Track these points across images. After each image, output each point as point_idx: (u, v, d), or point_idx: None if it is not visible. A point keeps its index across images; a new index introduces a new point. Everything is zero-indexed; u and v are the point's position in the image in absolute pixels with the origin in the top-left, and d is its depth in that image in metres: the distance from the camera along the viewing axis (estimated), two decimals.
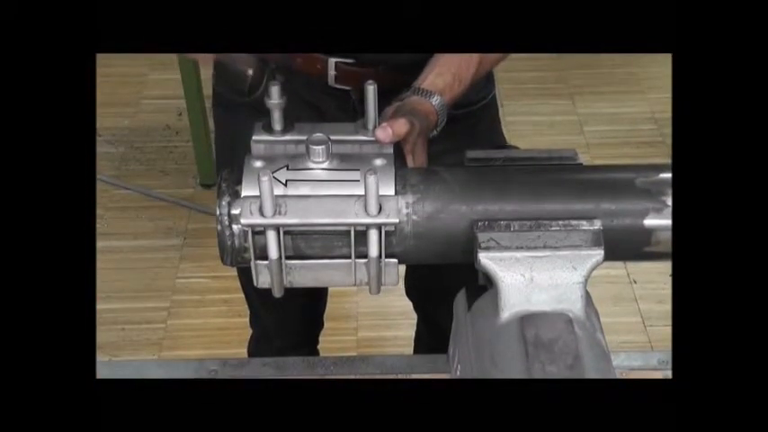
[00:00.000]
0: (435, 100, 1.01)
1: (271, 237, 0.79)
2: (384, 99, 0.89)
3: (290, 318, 1.50)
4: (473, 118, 1.22)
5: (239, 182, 0.81)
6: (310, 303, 1.53)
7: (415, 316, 1.62)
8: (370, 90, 0.87)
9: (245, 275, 1.41)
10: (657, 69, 3.17)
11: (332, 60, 1.15)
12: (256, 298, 1.49)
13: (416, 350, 1.67)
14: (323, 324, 1.62)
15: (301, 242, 0.81)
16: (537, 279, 0.77)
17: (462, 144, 1.03)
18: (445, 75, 1.04)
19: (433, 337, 1.55)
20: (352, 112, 1.17)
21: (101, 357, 2.13)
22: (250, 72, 1.17)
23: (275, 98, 0.85)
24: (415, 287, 1.47)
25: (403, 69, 1.07)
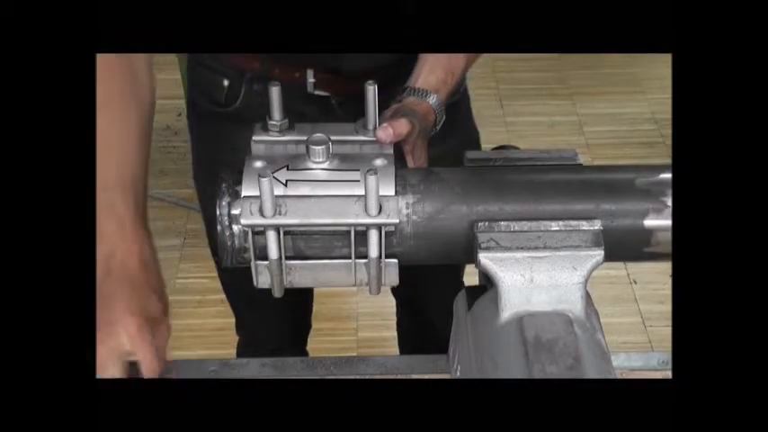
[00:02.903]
0: (432, 99, 1.02)
1: (271, 237, 0.79)
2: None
3: (278, 320, 1.49)
4: (451, 111, 1.22)
5: (239, 182, 0.81)
6: (296, 305, 1.52)
7: None
8: (370, 90, 0.87)
9: (230, 279, 1.40)
10: (657, 70, 3.17)
11: (310, 71, 1.15)
12: (241, 304, 1.48)
13: (399, 337, 1.66)
14: (311, 325, 1.62)
15: (301, 242, 0.81)
16: (537, 279, 0.77)
17: (443, 136, 1.04)
18: (437, 71, 1.04)
19: (411, 319, 1.54)
20: (332, 115, 1.16)
21: None
22: (226, 83, 1.17)
23: (276, 101, 0.85)
24: None
25: (383, 72, 1.07)
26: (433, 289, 1.21)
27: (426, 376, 1.01)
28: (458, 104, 1.25)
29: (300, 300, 1.51)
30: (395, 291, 1.52)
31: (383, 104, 0.92)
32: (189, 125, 1.31)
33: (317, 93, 1.16)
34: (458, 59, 1.07)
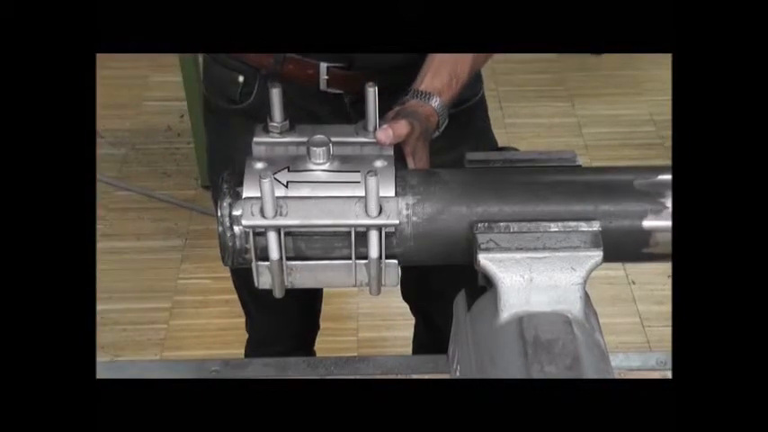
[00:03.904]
0: (435, 101, 1.01)
1: (272, 238, 0.79)
2: (379, 100, 0.89)
3: (288, 322, 1.49)
4: (465, 116, 1.21)
5: (240, 183, 0.81)
6: (307, 306, 1.52)
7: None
8: (371, 92, 0.87)
9: (241, 281, 1.40)
10: (656, 72, 3.18)
11: (323, 65, 1.14)
12: (253, 304, 1.48)
13: (415, 350, 1.67)
14: (319, 326, 1.62)
15: (302, 243, 0.81)
16: (536, 280, 0.77)
17: (455, 142, 1.04)
18: (442, 75, 1.04)
19: (431, 334, 1.54)
20: (345, 115, 1.16)
21: (103, 357, 2.13)
22: (241, 79, 1.17)
23: (276, 104, 0.85)
24: (410, 289, 1.47)
25: (395, 72, 1.07)
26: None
27: (426, 376, 1.01)
28: (472, 110, 1.25)
29: (310, 301, 1.51)
30: (413, 306, 1.53)
31: (395, 103, 0.91)
32: (205, 121, 1.31)
33: (330, 90, 1.16)
34: (463, 64, 1.06)
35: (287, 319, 1.48)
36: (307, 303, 1.51)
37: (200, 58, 1.30)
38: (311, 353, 1.62)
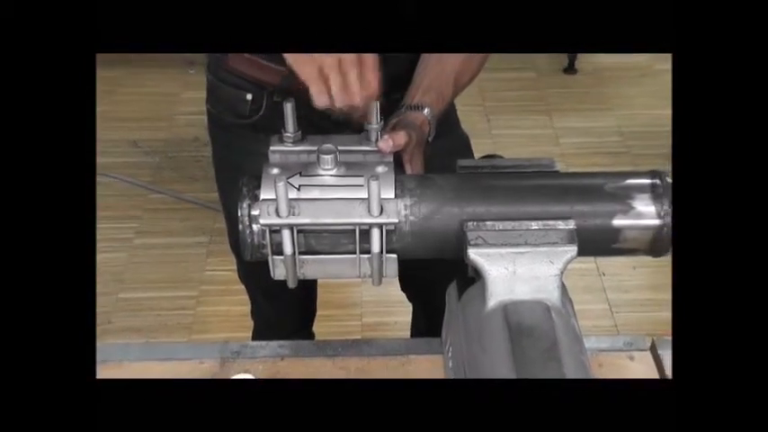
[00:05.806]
0: (426, 111, 1.02)
1: (286, 235, 0.79)
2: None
3: (290, 308, 1.49)
4: (443, 114, 1.20)
5: (258, 187, 0.81)
6: (305, 295, 1.52)
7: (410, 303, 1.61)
8: (373, 106, 0.87)
9: (251, 275, 1.39)
10: (623, 89, 3.20)
11: None
12: (261, 294, 1.48)
13: (412, 334, 1.66)
14: (316, 310, 1.61)
15: (312, 239, 0.81)
16: (519, 272, 0.76)
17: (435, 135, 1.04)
18: (430, 93, 1.04)
19: (426, 320, 1.54)
20: (338, 122, 1.15)
21: (138, 339, 2.13)
22: (249, 97, 1.17)
23: (290, 116, 0.85)
24: (408, 280, 1.46)
25: (391, 81, 1.06)
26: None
27: (423, 357, 1.01)
28: (446, 113, 1.25)
29: (307, 289, 1.51)
30: (410, 295, 1.52)
31: (386, 110, 0.91)
32: (211, 137, 1.31)
33: None
34: (447, 87, 1.07)
35: (289, 306, 1.48)
36: (305, 293, 1.51)
37: (205, 80, 1.28)
38: (311, 333, 1.62)
